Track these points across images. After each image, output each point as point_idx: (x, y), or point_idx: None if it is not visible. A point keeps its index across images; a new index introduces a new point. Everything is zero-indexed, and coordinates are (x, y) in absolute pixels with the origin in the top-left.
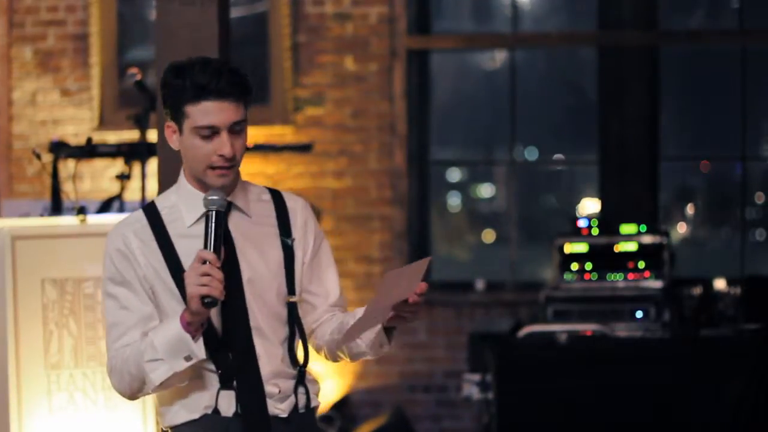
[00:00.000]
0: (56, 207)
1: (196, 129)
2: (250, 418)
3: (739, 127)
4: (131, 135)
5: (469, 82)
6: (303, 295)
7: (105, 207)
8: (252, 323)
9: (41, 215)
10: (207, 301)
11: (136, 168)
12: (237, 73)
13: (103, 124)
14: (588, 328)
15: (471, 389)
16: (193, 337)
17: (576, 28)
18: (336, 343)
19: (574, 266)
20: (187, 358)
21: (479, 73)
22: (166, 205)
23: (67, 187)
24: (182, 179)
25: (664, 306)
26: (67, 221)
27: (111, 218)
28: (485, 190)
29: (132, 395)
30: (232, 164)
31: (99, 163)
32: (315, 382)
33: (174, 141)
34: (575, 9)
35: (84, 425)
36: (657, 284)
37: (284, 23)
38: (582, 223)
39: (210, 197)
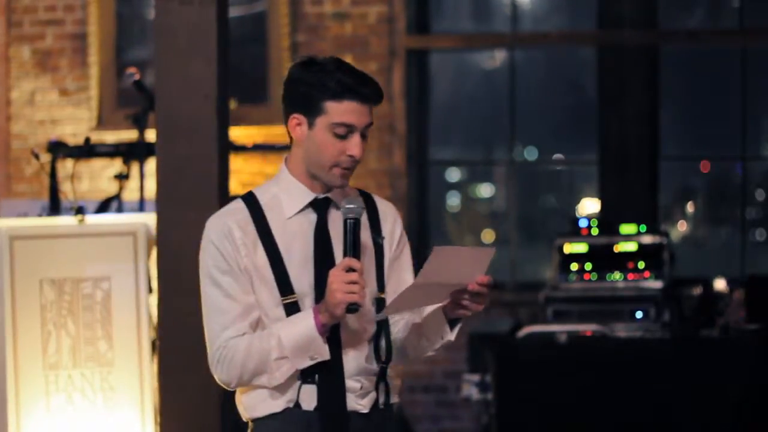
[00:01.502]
0: (54, 207)
1: (333, 125)
2: (329, 413)
3: (739, 127)
4: (130, 135)
5: (469, 81)
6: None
7: (103, 207)
8: (341, 322)
9: (39, 215)
10: (352, 308)
11: (135, 168)
12: (375, 80)
13: (102, 123)
14: (588, 328)
15: (470, 389)
16: (322, 339)
17: (576, 27)
18: (400, 340)
19: (574, 266)
20: (312, 358)
21: (479, 73)
22: (266, 196)
23: (65, 187)
24: (285, 172)
25: (664, 306)
26: (66, 221)
27: (109, 218)
28: (485, 190)
29: (238, 385)
30: (354, 166)
31: (97, 163)
32: (396, 378)
33: (298, 133)
34: (575, 8)
35: (82, 425)
36: (657, 284)
37: (283, 23)
38: (582, 223)
39: (348, 206)
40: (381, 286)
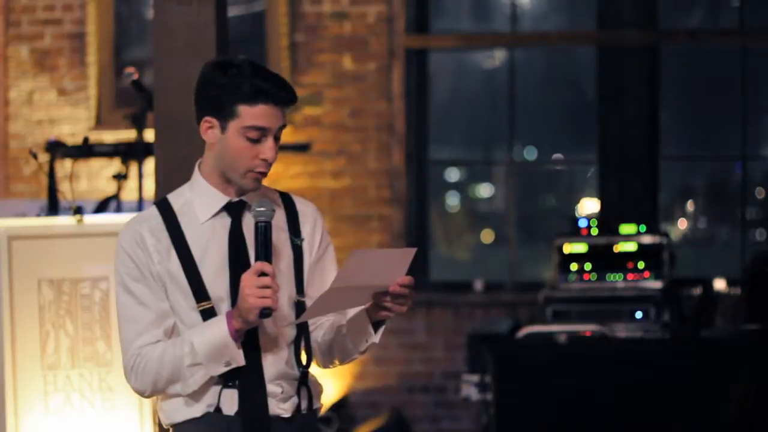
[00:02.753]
0: (53, 207)
1: (245, 129)
2: (250, 417)
3: (739, 127)
4: (128, 135)
5: (468, 81)
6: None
7: (102, 207)
8: (259, 326)
9: (38, 215)
10: (265, 313)
11: (133, 168)
12: (288, 83)
13: (100, 123)
14: (587, 328)
15: (470, 390)
16: (236, 345)
17: (575, 27)
18: (326, 343)
19: (574, 266)
20: (227, 364)
21: (478, 73)
22: (179, 201)
23: (63, 187)
24: (197, 176)
25: (663, 306)
26: (64, 221)
27: (108, 218)
28: (484, 190)
29: (152, 395)
30: (268, 169)
31: (96, 163)
32: (317, 384)
33: (210, 136)
34: (574, 8)
35: (81, 426)
36: (657, 284)
37: (282, 22)
38: (581, 223)
39: (258, 209)
40: (300, 289)
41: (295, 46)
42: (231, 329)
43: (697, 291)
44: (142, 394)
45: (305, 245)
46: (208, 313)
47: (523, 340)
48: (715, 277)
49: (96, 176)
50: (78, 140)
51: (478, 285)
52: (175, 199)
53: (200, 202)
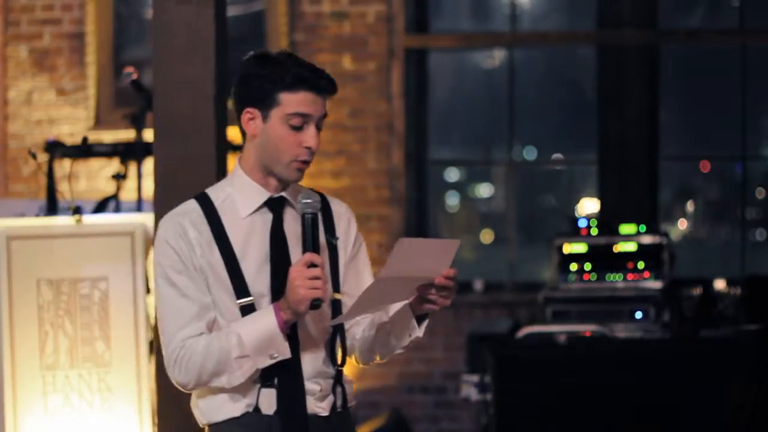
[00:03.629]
0: (52, 207)
1: (288, 116)
2: (289, 416)
3: (739, 126)
4: (127, 134)
5: (468, 81)
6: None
7: (101, 207)
8: (299, 322)
9: (37, 215)
10: (316, 304)
11: (132, 168)
12: (328, 73)
13: (99, 123)
14: (587, 328)
15: (469, 390)
16: (284, 337)
17: (575, 27)
18: (367, 339)
19: (573, 267)
20: (273, 356)
21: (478, 73)
22: (220, 196)
23: (62, 187)
24: (238, 171)
25: (663, 306)
26: (63, 221)
27: (107, 218)
28: (484, 190)
29: (195, 387)
30: (311, 158)
31: (95, 163)
32: (351, 382)
33: (252, 127)
34: (574, 8)
35: (80, 426)
36: (656, 284)
37: (281, 22)
38: (581, 224)
39: (305, 200)
40: (336, 286)
41: (294, 46)
42: (279, 321)
43: (697, 291)
44: (184, 387)
45: (340, 244)
46: (248, 309)
47: (523, 340)
48: (715, 277)
49: (95, 176)
50: (77, 140)
51: (478, 285)
52: (215, 193)
53: (241, 197)
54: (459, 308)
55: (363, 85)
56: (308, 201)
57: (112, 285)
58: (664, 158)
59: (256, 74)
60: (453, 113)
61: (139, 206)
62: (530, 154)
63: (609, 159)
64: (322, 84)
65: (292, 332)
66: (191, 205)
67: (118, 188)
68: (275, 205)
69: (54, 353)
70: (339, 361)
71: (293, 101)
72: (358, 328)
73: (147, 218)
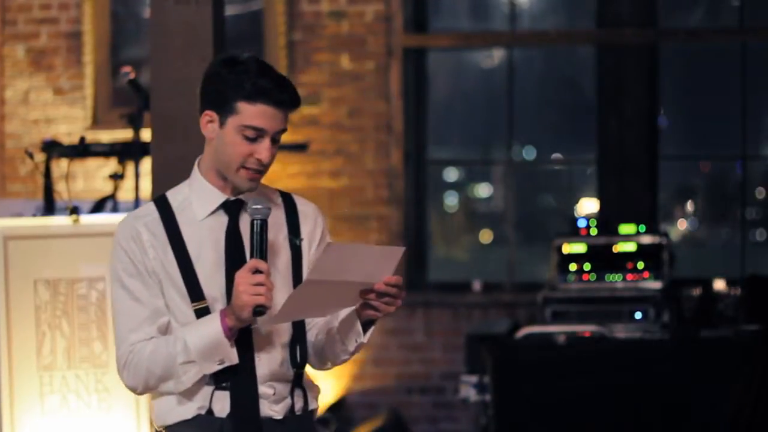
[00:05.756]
0: (49, 207)
1: (242, 127)
2: (241, 419)
3: (739, 126)
4: (125, 134)
5: (467, 80)
6: None
7: (98, 207)
8: (254, 325)
9: (34, 215)
10: (258, 311)
11: (130, 167)
12: (293, 86)
13: (97, 123)
14: (586, 329)
15: (468, 391)
16: (230, 343)
17: (574, 26)
18: (319, 343)
19: (573, 267)
20: (220, 362)
21: (476, 72)
22: (178, 198)
23: (59, 187)
24: (196, 173)
25: (663, 307)
26: (60, 221)
27: (104, 218)
28: (483, 190)
29: (144, 391)
30: (264, 170)
31: (92, 163)
32: (314, 385)
33: (209, 130)
34: (573, 7)
35: (77, 427)
36: (656, 285)
37: (279, 21)
38: (581, 224)
39: (254, 206)
40: None
41: (292, 45)
42: (224, 327)
43: (697, 291)
44: (134, 390)
45: (304, 245)
46: (202, 313)
47: (522, 340)
48: (715, 277)
49: (92, 176)
50: (74, 140)
51: (477, 285)
52: (173, 196)
53: (198, 200)
54: (458, 309)
55: (361, 84)
56: (257, 207)
57: (109, 282)
58: (663, 158)
59: (219, 77)
60: (452, 113)
61: (136, 206)
62: (529, 153)
63: (608, 159)
64: (283, 98)
65: (245, 335)
66: (149, 208)
67: (116, 188)
68: (232, 208)
69: (51, 354)
70: (299, 362)
71: (250, 113)
72: (312, 332)
73: None
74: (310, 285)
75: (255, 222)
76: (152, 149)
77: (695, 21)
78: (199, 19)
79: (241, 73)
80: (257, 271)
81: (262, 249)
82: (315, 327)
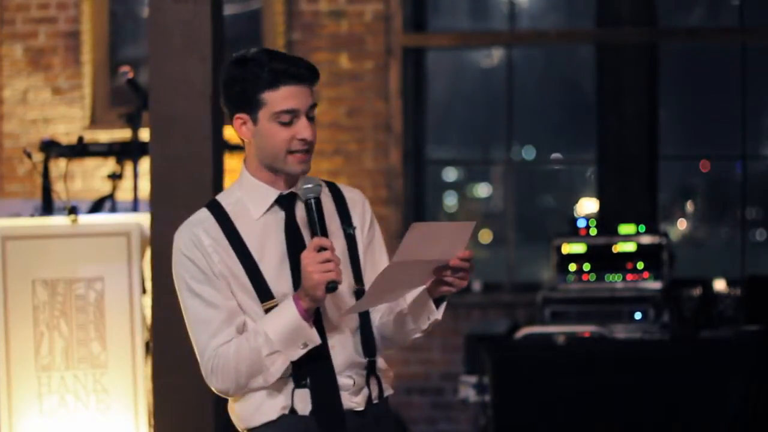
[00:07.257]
0: (47, 207)
1: (276, 114)
2: (324, 415)
3: (739, 126)
4: (123, 134)
5: (466, 80)
6: None
7: (96, 207)
8: (323, 316)
9: (32, 215)
10: (331, 286)
11: (128, 167)
12: (306, 60)
13: (95, 122)
14: (586, 329)
15: (467, 391)
16: (309, 324)
17: (574, 25)
18: (385, 325)
19: (572, 267)
20: (304, 345)
21: (476, 72)
22: (230, 201)
23: (58, 187)
24: (245, 174)
25: (663, 307)
26: (59, 221)
27: (103, 218)
28: (482, 190)
29: (236, 392)
30: (310, 148)
31: (90, 163)
32: (387, 369)
33: (245, 132)
34: (573, 6)
35: (75, 427)
36: (656, 285)
37: (278, 21)
38: (580, 223)
39: (305, 186)
40: (358, 278)
41: (291, 45)
42: (300, 310)
43: (697, 291)
44: (226, 393)
45: (357, 233)
46: None
47: (522, 341)
48: (715, 277)
49: (91, 176)
50: (72, 139)
51: (476, 285)
52: (225, 199)
53: (251, 199)
54: (457, 309)
55: (360, 84)
56: (308, 186)
57: (108, 285)
58: (663, 158)
59: (236, 79)
60: (451, 112)
61: (135, 206)
62: (529, 153)
63: (608, 159)
64: (301, 73)
65: (317, 324)
66: (203, 214)
67: (114, 188)
68: (286, 202)
69: (49, 354)
70: (370, 349)
71: (276, 99)
72: (376, 315)
73: (143, 218)
74: (395, 267)
75: (309, 201)
76: (151, 149)
77: (695, 20)
78: (198, 19)
79: (255, 66)
80: (322, 249)
81: (321, 226)
82: (376, 311)
